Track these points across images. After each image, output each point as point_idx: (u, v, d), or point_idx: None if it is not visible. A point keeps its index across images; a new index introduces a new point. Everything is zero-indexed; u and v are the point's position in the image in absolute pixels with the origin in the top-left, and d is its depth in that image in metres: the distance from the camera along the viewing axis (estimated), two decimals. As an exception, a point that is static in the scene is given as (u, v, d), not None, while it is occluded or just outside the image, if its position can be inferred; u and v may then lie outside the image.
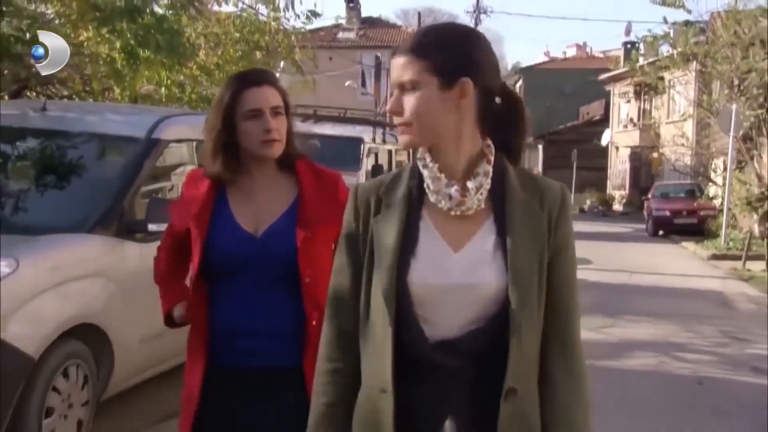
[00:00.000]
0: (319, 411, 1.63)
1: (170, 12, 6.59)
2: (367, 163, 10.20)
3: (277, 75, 9.13)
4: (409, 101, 1.51)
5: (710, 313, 9.48)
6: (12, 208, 4.28)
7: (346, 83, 26.25)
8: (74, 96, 7.83)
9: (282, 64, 10.78)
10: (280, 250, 2.14)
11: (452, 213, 1.54)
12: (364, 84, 30.86)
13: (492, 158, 1.56)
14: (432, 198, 1.55)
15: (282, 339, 2.14)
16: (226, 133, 2.18)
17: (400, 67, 1.53)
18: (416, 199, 1.57)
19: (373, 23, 33.97)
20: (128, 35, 5.82)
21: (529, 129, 1.63)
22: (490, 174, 1.54)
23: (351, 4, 33.84)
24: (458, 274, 1.51)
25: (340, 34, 24.68)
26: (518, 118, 1.60)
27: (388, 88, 27.19)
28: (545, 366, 1.54)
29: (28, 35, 5.01)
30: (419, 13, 29.94)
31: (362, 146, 10.20)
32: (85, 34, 6.21)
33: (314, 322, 2.09)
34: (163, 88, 7.72)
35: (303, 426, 1.69)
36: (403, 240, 1.53)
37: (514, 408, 1.48)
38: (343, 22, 23.92)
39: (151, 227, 4.03)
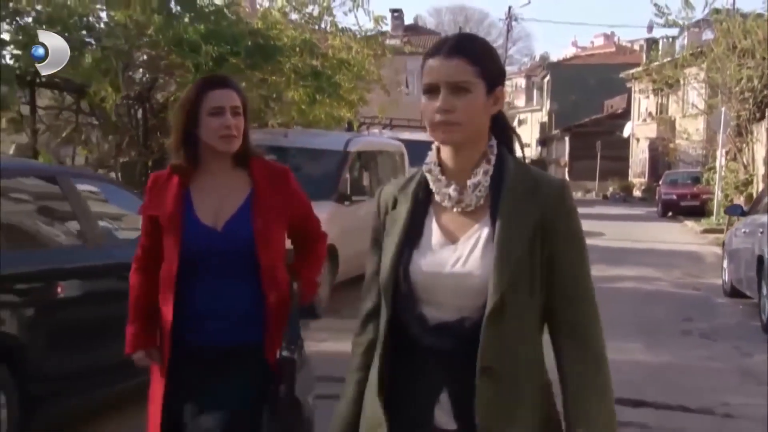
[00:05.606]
0: (348, 380, 1.80)
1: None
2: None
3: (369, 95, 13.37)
4: (462, 102, 1.61)
5: (682, 263, 13.28)
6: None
7: (398, 89, 30.21)
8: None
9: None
10: (240, 241, 2.38)
11: (455, 210, 1.67)
12: (407, 86, 34.76)
13: (493, 158, 1.66)
14: (437, 198, 1.69)
15: (244, 319, 2.39)
16: (189, 126, 2.40)
17: (451, 68, 1.60)
18: (423, 198, 1.71)
19: (415, 30, 37.75)
20: (311, 88, 9.97)
21: (515, 132, 1.75)
22: (490, 173, 1.65)
23: (396, 14, 37.82)
24: (452, 264, 1.63)
25: (387, 41, 28.48)
26: (505, 120, 1.74)
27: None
28: (556, 355, 1.64)
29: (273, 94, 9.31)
30: (455, 24, 33.57)
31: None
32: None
33: (272, 300, 2.39)
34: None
35: (259, 395, 2.25)
36: (408, 234, 1.68)
37: (489, 387, 1.56)
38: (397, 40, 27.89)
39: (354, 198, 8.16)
